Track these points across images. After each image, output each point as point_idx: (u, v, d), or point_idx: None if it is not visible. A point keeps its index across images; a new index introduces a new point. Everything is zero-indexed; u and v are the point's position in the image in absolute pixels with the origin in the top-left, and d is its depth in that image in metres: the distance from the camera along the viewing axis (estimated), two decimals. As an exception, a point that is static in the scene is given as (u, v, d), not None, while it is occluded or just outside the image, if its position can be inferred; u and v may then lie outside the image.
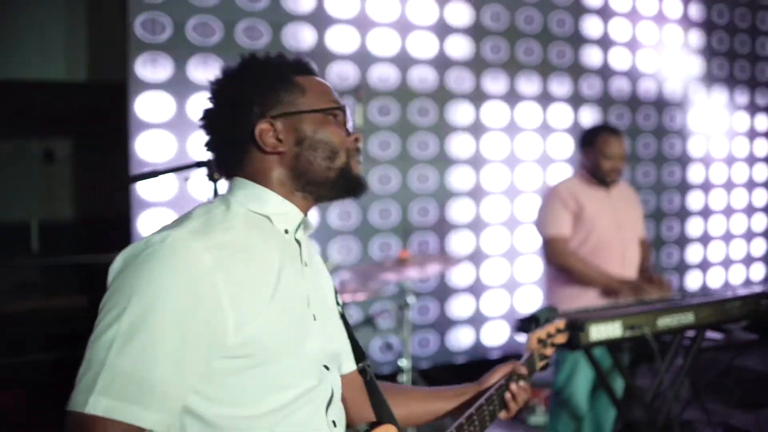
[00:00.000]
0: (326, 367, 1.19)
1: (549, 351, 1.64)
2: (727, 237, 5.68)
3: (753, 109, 5.79)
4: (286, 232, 1.19)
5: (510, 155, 4.62)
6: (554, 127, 4.77)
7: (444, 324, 4.44)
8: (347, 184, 1.22)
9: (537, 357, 1.58)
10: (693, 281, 5.50)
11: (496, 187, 4.58)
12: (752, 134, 5.81)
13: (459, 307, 4.49)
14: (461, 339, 4.50)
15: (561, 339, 1.70)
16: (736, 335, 3.06)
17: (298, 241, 1.21)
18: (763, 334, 4.25)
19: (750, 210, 5.81)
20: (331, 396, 1.18)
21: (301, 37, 3.97)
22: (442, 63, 4.38)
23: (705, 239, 5.57)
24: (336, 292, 1.36)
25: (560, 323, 1.68)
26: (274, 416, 1.07)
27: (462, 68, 4.45)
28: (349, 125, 1.25)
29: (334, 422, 1.17)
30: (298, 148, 1.18)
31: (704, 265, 5.57)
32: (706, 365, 3.78)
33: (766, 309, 2.97)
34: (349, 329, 1.34)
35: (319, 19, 4.02)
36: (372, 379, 1.30)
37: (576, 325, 2.30)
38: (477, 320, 4.55)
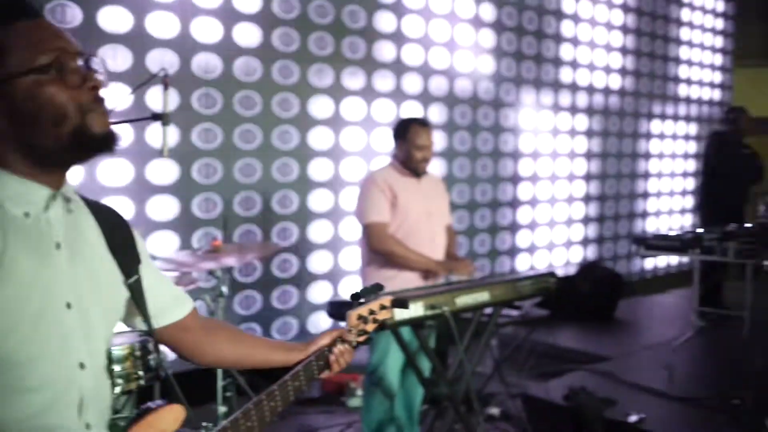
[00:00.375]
0: (82, 365, 1.09)
1: (370, 327, 1.66)
2: (533, 225, 6.23)
3: (556, 108, 6.38)
4: (27, 215, 1.04)
5: (335, 147, 4.75)
6: (378, 121, 4.97)
7: (269, 314, 4.48)
8: (87, 146, 1.05)
9: (355, 333, 1.62)
10: (502, 266, 5.98)
11: (321, 179, 4.69)
12: (555, 132, 6.40)
13: (284, 297, 4.55)
14: (286, 329, 4.57)
15: (385, 315, 1.71)
16: (529, 312, 3.39)
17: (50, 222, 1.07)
18: (554, 311, 4.77)
19: (553, 200, 6.41)
20: (82, 398, 1.09)
21: (118, 21, 3.82)
22: (267, 54, 4.40)
23: (514, 227, 6.06)
24: (131, 258, 1.22)
25: (385, 300, 1.71)
26: (18, 423, 1.00)
27: (288, 60, 4.50)
28: (83, 71, 1.04)
29: (88, 425, 1.10)
30: (15, 123, 1.00)
31: (513, 252, 6.07)
32: (507, 341, 4.15)
33: (555, 287, 3.32)
34: (147, 295, 1.23)
35: (138, 3, 3.89)
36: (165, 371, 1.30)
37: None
38: (302, 310, 4.64)
